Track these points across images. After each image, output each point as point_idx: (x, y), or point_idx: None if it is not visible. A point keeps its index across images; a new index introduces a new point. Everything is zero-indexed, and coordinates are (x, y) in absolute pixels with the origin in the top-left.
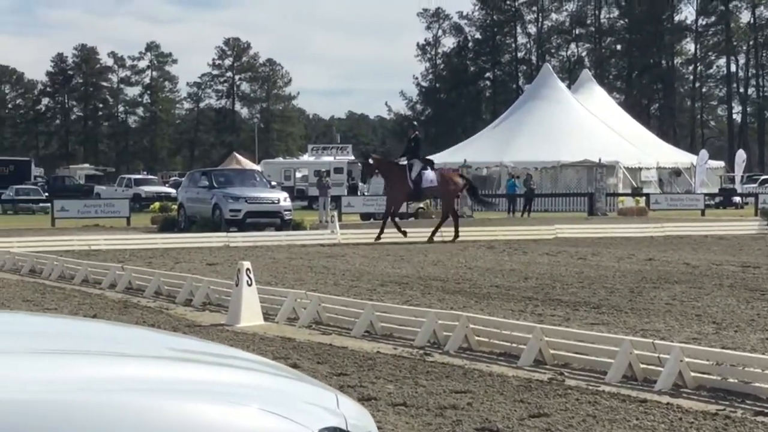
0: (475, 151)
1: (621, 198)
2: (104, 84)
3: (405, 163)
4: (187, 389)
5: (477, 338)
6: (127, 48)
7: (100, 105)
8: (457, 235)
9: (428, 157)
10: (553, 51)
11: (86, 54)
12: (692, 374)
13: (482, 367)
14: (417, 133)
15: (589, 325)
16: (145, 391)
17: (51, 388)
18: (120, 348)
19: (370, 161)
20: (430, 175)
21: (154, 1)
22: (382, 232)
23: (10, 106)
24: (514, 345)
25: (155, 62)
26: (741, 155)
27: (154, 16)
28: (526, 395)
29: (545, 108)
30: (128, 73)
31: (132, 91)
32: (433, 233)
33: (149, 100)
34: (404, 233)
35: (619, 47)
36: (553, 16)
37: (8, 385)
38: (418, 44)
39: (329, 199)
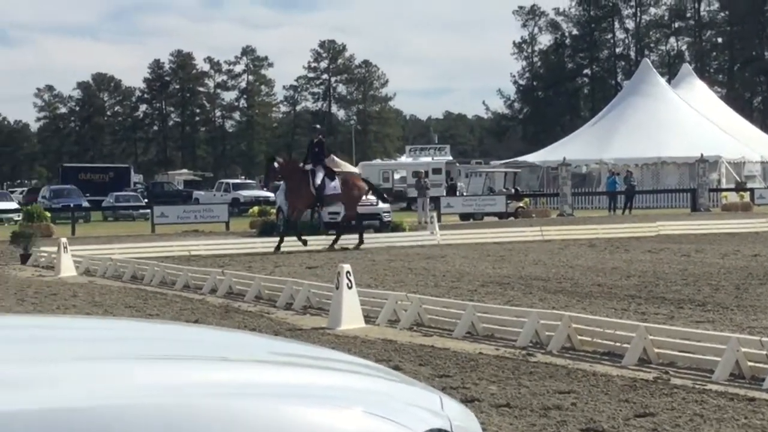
0: (574, 149)
1: (724, 193)
2: (201, 89)
3: (309, 168)
4: (291, 393)
5: (580, 338)
6: (223, 53)
7: (197, 110)
8: (361, 242)
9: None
10: (652, 46)
11: (183, 60)
12: None
13: (586, 366)
14: (321, 137)
15: (694, 323)
16: (250, 395)
17: (160, 393)
18: (224, 352)
19: (276, 165)
20: (332, 182)
21: (250, 6)
22: (281, 241)
23: (108, 113)
24: (617, 344)
25: (251, 66)
26: None
27: (250, 20)
28: (631, 395)
29: (645, 104)
30: (225, 77)
31: (228, 96)
32: (335, 241)
33: (246, 105)
34: (304, 242)
35: (720, 40)
36: (652, 10)
37: (119, 391)
38: (514, 42)
39: (428, 200)
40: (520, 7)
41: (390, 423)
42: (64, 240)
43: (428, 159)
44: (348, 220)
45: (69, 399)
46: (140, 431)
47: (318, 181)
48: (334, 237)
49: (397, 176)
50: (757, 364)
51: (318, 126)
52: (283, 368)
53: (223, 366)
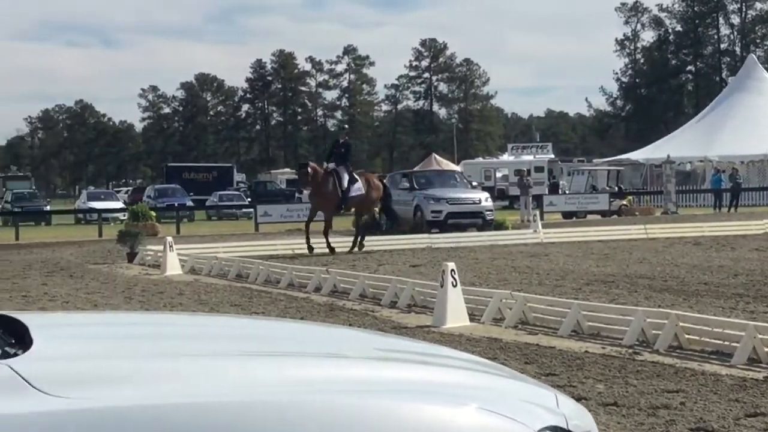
0: (678, 146)
1: None
2: (302, 89)
3: (332, 167)
4: (405, 389)
5: (687, 336)
6: (324, 52)
7: (299, 110)
8: (361, 246)
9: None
10: (758, 41)
11: (284, 59)
12: None
13: (694, 365)
14: (347, 138)
15: None
16: (360, 391)
17: (262, 390)
18: (335, 349)
19: (308, 170)
20: (357, 183)
21: (351, 6)
22: (308, 241)
23: (212, 113)
24: (726, 343)
25: (353, 65)
26: None
27: (351, 20)
28: (741, 394)
29: (751, 100)
30: (326, 77)
31: (330, 95)
32: (359, 244)
33: (347, 104)
34: (332, 250)
35: None
36: (758, 5)
37: (220, 388)
38: (616, 39)
39: (530, 198)
40: (623, 4)
41: (506, 419)
42: (169, 239)
43: (530, 157)
44: (371, 220)
45: (200, 394)
46: (254, 429)
47: (345, 183)
48: (355, 239)
49: (499, 174)
50: None
51: (345, 126)
52: (395, 365)
53: (337, 363)
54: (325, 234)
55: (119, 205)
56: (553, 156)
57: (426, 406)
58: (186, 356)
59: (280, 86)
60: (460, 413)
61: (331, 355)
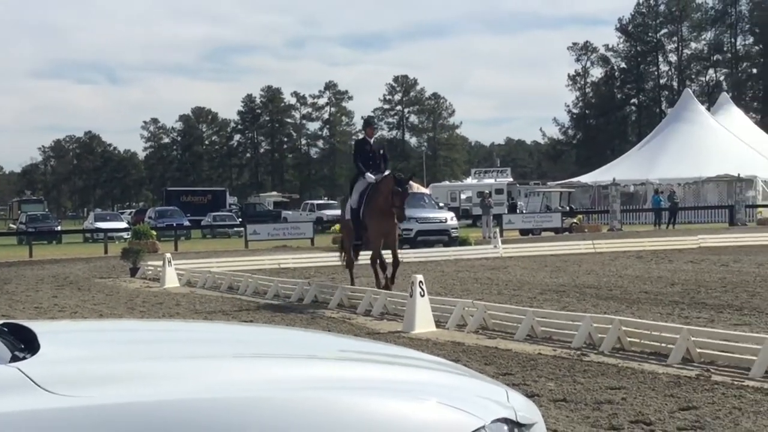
0: (622, 170)
1: (760, 209)
2: (288, 120)
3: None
4: (373, 386)
5: (629, 339)
6: (308, 88)
7: (285, 139)
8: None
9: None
10: (693, 77)
11: (272, 94)
12: None
13: (634, 365)
14: (385, 144)
15: (733, 325)
16: (334, 388)
17: (251, 387)
18: (313, 351)
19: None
20: None
21: (332, 46)
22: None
23: (207, 142)
24: (663, 345)
25: (333, 99)
26: None
27: (331, 59)
28: (676, 390)
29: (687, 129)
30: (309, 110)
31: (313, 126)
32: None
33: (328, 133)
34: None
35: (754, 71)
36: (693, 44)
37: (215, 386)
38: (568, 75)
39: (491, 217)
40: (574, 44)
41: (462, 413)
42: (168, 255)
43: (491, 180)
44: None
45: (194, 392)
46: (241, 422)
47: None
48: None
49: (463, 196)
50: None
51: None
52: (366, 365)
53: (314, 363)
54: (384, 267)
55: (123, 225)
56: (511, 179)
57: (391, 401)
58: (180, 358)
59: (268, 118)
60: (421, 407)
61: (309, 357)
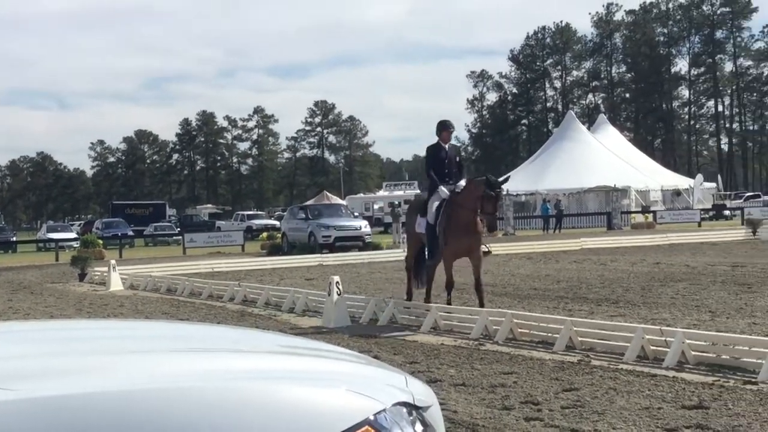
0: (515, 182)
1: (633, 215)
2: (221, 141)
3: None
4: (289, 376)
5: (520, 330)
6: (238, 112)
7: (219, 158)
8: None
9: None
10: (575, 100)
11: (206, 118)
12: (693, 353)
13: (524, 353)
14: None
15: (610, 316)
16: (255, 378)
17: (184, 378)
18: (238, 346)
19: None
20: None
21: (259, 76)
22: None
23: (148, 161)
24: (549, 335)
25: (261, 122)
26: (699, 178)
27: (259, 86)
28: (560, 374)
29: (570, 146)
30: (240, 131)
31: (243, 146)
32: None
33: (257, 153)
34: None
35: (628, 95)
36: (575, 72)
37: (152, 378)
38: (467, 99)
39: (401, 224)
40: (472, 72)
41: (367, 398)
42: (113, 262)
43: (401, 192)
44: None
45: (122, 384)
46: (171, 411)
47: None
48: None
49: (376, 206)
50: (658, 348)
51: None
52: (285, 357)
53: (229, 356)
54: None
55: (73, 235)
56: (419, 191)
57: (304, 389)
58: (113, 353)
59: (203, 139)
60: (332, 394)
61: (234, 351)
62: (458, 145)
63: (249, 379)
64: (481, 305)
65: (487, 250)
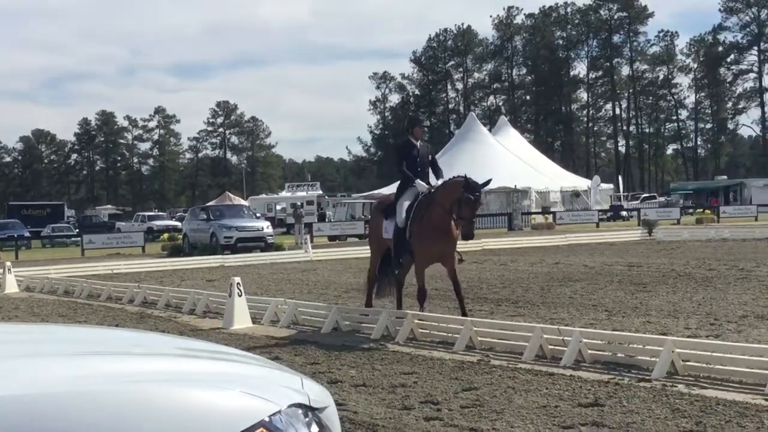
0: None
1: (533, 216)
2: (122, 141)
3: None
4: (182, 378)
5: (421, 330)
6: (139, 112)
7: (119, 158)
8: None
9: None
10: (476, 102)
11: (106, 118)
12: (589, 352)
13: (425, 353)
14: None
15: (509, 316)
16: (145, 381)
17: (79, 382)
18: (130, 349)
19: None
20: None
21: (160, 75)
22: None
23: (46, 161)
24: (450, 335)
25: (162, 122)
26: (596, 180)
27: (160, 86)
28: (460, 374)
29: (471, 147)
30: (141, 132)
31: (144, 146)
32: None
33: (158, 153)
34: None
35: (528, 97)
36: (476, 74)
37: (43, 382)
38: (370, 100)
39: (303, 225)
40: (375, 73)
41: (261, 400)
42: (8, 263)
43: (303, 193)
44: None
45: (21, 388)
46: (53, 415)
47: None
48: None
49: (278, 207)
50: (556, 347)
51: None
52: (180, 359)
53: (125, 359)
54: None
55: None
56: (321, 192)
57: (199, 391)
58: (12, 357)
59: (103, 139)
60: (226, 395)
61: (124, 353)
62: (429, 144)
63: (141, 381)
64: (464, 314)
65: (460, 257)
